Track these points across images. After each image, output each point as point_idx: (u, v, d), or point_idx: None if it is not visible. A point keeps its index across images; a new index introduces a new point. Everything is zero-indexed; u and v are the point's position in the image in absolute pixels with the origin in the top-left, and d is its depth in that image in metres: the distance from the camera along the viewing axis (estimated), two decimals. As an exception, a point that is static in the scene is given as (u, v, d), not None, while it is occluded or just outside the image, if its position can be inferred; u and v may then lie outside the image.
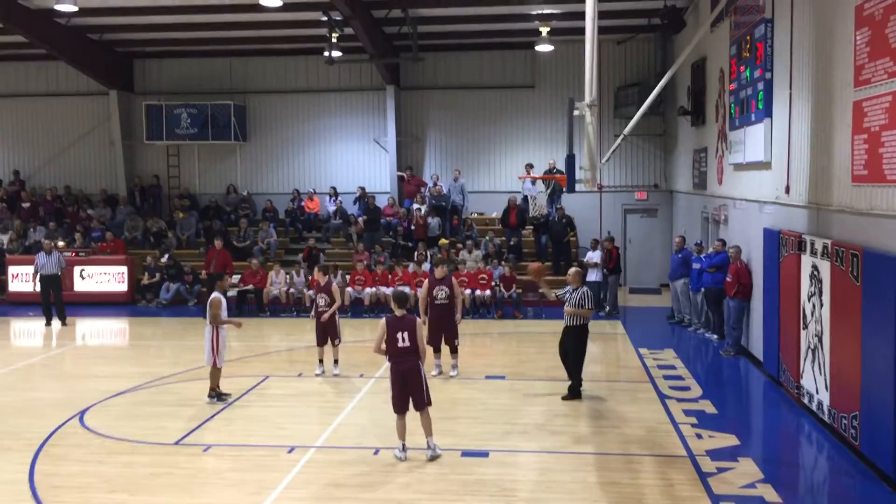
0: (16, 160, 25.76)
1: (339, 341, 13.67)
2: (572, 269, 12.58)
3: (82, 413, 11.37)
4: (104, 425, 10.78)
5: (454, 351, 13.39)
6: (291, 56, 24.53)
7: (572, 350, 12.00)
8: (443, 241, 21.32)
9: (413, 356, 9.37)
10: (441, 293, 13.15)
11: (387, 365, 9.79)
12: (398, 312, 9.45)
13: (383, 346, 9.47)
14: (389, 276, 19.93)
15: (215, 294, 11.98)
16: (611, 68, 23.07)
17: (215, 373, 11.98)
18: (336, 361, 13.57)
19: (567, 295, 11.97)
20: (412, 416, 9.48)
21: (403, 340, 9.33)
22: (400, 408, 9.41)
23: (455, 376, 13.27)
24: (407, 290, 10.94)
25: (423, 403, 9.40)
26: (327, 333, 13.45)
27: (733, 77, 15.00)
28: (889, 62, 8.53)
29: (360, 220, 22.46)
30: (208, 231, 23.15)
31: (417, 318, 9.54)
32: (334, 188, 23.91)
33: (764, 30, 12.99)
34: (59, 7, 17.50)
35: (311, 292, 19.64)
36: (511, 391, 12.53)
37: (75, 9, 17.77)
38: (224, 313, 12.00)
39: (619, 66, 23.34)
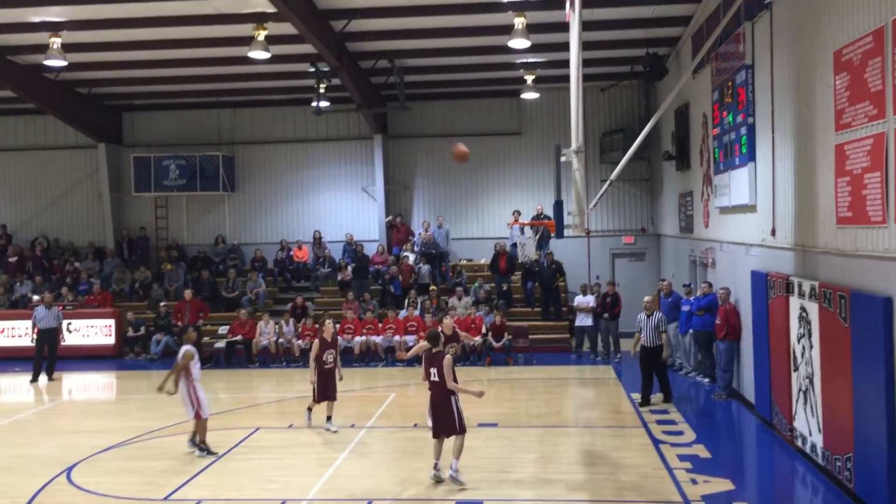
0: (3, 214, 25.69)
1: (336, 398, 13.32)
2: (648, 297, 15.01)
3: (69, 469, 11.19)
4: (92, 482, 10.60)
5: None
6: (279, 107, 24.75)
7: (656, 366, 14.33)
8: (432, 288, 21.32)
9: (441, 389, 10.18)
10: (451, 350, 12.59)
11: (378, 412, 10.34)
12: (433, 349, 10.48)
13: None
14: (380, 325, 19.87)
15: (187, 347, 11.88)
16: (596, 115, 23.37)
17: (202, 425, 11.85)
18: (329, 418, 13.23)
19: (643, 320, 14.34)
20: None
21: (433, 375, 10.27)
22: (434, 432, 10.37)
23: None
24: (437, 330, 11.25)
25: (453, 430, 10.22)
26: (329, 389, 13.12)
27: (716, 122, 15.23)
28: (869, 106, 8.69)
29: (348, 267, 22.45)
30: (196, 282, 23.07)
31: (447, 356, 10.32)
32: (318, 232, 23.93)
33: (745, 76, 13.24)
34: (48, 62, 17.66)
35: (300, 342, 19.56)
36: (504, 438, 12.43)
37: (64, 64, 17.94)
38: (196, 366, 11.87)
39: (604, 113, 23.65)
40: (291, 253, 23.89)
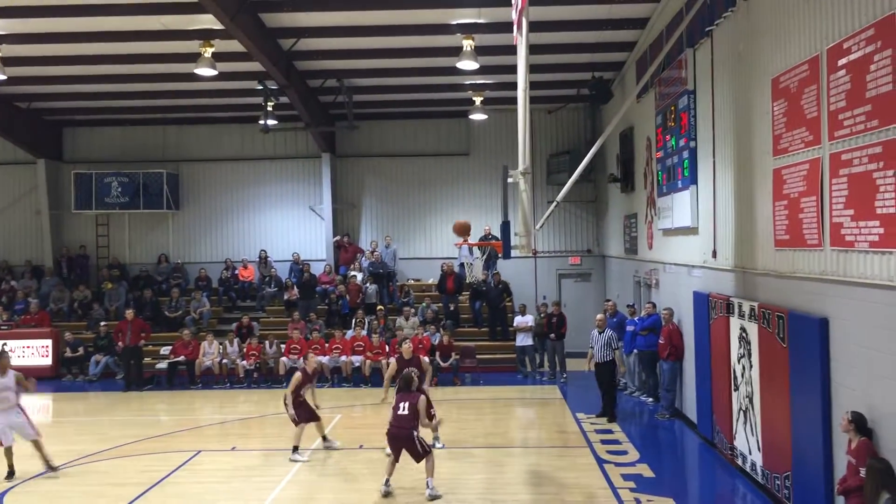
0: (-64, 230, 24.88)
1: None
2: (600, 315, 15.61)
3: (2, 494, 10.81)
4: (24, 508, 10.26)
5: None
6: (226, 124, 24.50)
7: (606, 382, 14.85)
8: (379, 308, 21.23)
9: (407, 423, 10.65)
10: (415, 374, 12.35)
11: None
12: (407, 390, 10.98)
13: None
14: (326, 345, 19.69)
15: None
16: (543, 136, 23.64)
17: (41, 444, 11.81)
18: (325, 437, 13.18)
19: (595, 336, 14.94)
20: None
21: (403, 409, 10.72)
22: (392, 450, 10.81)
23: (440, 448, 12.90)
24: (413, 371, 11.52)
25: (419, 457, 10.68)
26: (312, 413, 12.93)
27: (660, 145, 15.52)
28: (805, 132, 8.96)
29: (294, 287, 22.22)
30: (138, 301, 22.60)
31: (422, 396, 10.96)
32: (264, 251, 23.71)
33: (687, 101, 13.54)
34: (-13, 76, 17.23)
35: (244, 363, 19.28)
36: (451, 459, 12.38)
37: (4, 78, 17.51)
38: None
39: (551, 135, 23.94)
40: (237, 272, 23.58)
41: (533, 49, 12.89)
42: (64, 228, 24.81)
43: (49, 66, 18.76)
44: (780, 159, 9.67)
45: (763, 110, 10.23)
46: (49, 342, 20.91)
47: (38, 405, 18.51)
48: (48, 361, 20.81)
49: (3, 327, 21.11)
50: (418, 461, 10.71)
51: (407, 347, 13.75)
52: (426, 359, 13.68)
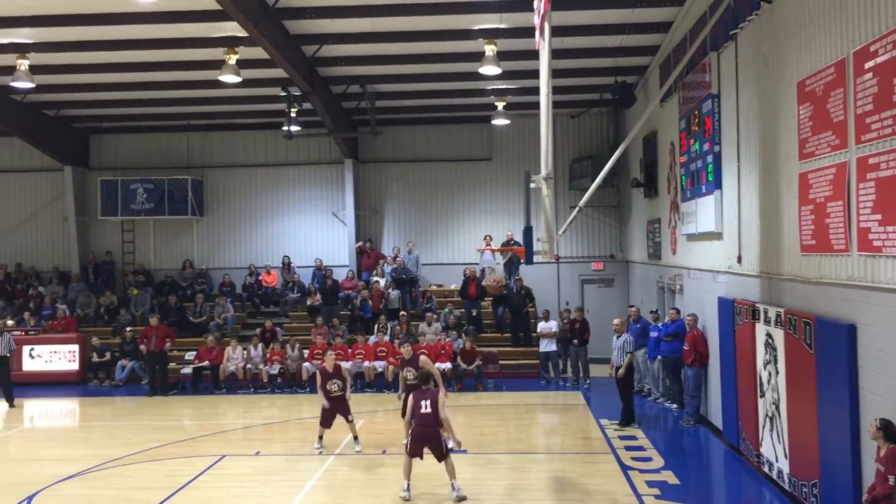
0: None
1: (353, 418, 13.48)
2: (617, 320, 15.52)
3: (30, 498, 10.93)
4: (52, 511, 10.36)
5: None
6: (250, 130, 24.67)
7: (622, 386, 14.74)
8: (402, 313, 21.26)
9: (432, 421, 10.63)
10: (409, 374, 13.34)
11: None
12: (423, 387, 10.97)
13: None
14: (349, 350, 19.74)
15: None
16: (565, 141, 23.58)
17: None
18: (356, 438, 13.40)
19: (613, 341, 15.02)
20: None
21: (425, 408, 10.67)
22: (414, 452, 10.69)
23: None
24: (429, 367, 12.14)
25: (443, 456, 10.68)
26: (336, 414, 13.37)
27: (683, 150, 15.43)
28: (832, 136, 8.87)
29: (317, 293, 22.30)
30: (163, 307, 22.80)
31: (440, 393, 10.92)
32: (287, 257, 23.83)
33: (711, 105, 13.45)
34: (15, 84, 17.46)
35: (268, 368, 19.38)
36: (473, 465, 12.35)
37: (32, 86, 17.75)
38: None
39: (574, 140, 23.88)
40: (260, 278, 23.72)
41: (555, 53, 12.88)
42: (90, 235, 25.09)
43: (76, 73, 19.02)
44: (806, 163, 9.58)
45: (788, 114, 10.15)
46: (76, 347, 21.13)
47: (65, 409, 18.73)
48: (75, 366, 21.02)
49: (30, 332, 21.36)
50: (440, 461, 10.71)
51: (406, 349, 13.93)
52: (426, 359, 13.68)
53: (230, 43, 16.60)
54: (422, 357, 13.64)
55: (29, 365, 20.94)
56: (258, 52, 16.31)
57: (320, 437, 13.58)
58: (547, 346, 19.64)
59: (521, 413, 16.73)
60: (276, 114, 22.08)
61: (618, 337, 15.08)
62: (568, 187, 23.22)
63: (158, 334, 19.43)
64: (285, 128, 21.07)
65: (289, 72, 17.36)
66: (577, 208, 14.68)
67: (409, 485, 10.64)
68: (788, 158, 10.19)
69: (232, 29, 15.66)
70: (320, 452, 13.30)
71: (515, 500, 10.63)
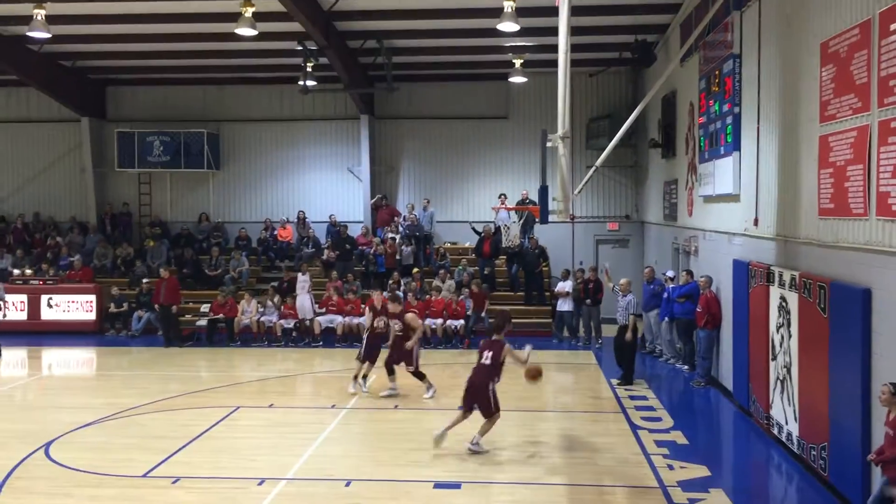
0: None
1: (413, 367, 13.90)
2: (623, 280, 15.70)
3: (48, 445, 11.15)
4: (70, 458, 10.57)
5: (418, 377, 14.01)
6: (266, 85, 24.55)
7: (622, 343, 15.01)
8: (415, 270, 21.31)
9: (486, 372, 10.78)
10: (396, 326, 13.99)
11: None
12: (493, 336, 11.21)
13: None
14: (363, 306, 19.81)
15: None
16: (583, 100, 23.33)
17: None
18: (365, 377, 14.30)
19: (620, 300, 15.25)
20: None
21: (485, 359, 10.85)
22: (465, 405, 10.86)
23: (392, 395, 13.99)
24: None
25: (490, 412, 10.79)
26: (379, 349, 14.20)
27: (703, 111, 15.26)
28: (854, 98, 8.73)
29: (332, 248, 22.37)
30: (179, 259, 22.97)
31: (506, 344, 11.04)
32: (303, 212, 23.88)
33: (732, 65, 13.26)
34: (32, 34, 17.40)
35: (282, 322, 19.56)
36: (482, 422, 12.45)
37: (48, 36, 17.69)
38: None
39: (592, 99, 23.63)
40: (276, 232, 23.80)
41: (575, 10, 12.71)
42: (107, 186, 25.20)
43: (92, 24, 18.93)
44: (826, 126, 9.45)
45: (811, 76, 9.99)
46: (93, 297, 21.35)
47: (82, 358, 19.00)
48: (92, 316, 21.27)
49: (48, 282, 21.59)
50: (486, 417, 10.74)
51: (395, 306, 14.24)
52: (413, 317, 14.35)
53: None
54: (409, 314, 14.27)
55: (47, 314, 21.22)
56: (274, 5, 16.14)
57: (364, 377, 14.23)
58: (563, 305, 19.64)
59: (533, 371, 16.79)
60: (292, 68, 21.95)
61: (623, 296, 15.31)
62: (585, 147, 23.04)
63: (168, 288, 19.49)
64: (301, 82, 20.96)
65: (305, 25, 17.22)
66: (594, 168, 14.62)
67: (446, 428, 10.76)
68: (809, 121, 10.06)
69: (248, -20, 15.50)
70: (365, 391, 14.06)
71: (524, 455, 10.75)
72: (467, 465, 10.32)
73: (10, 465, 10.23)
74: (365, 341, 14.37)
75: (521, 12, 16.28)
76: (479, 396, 10.74)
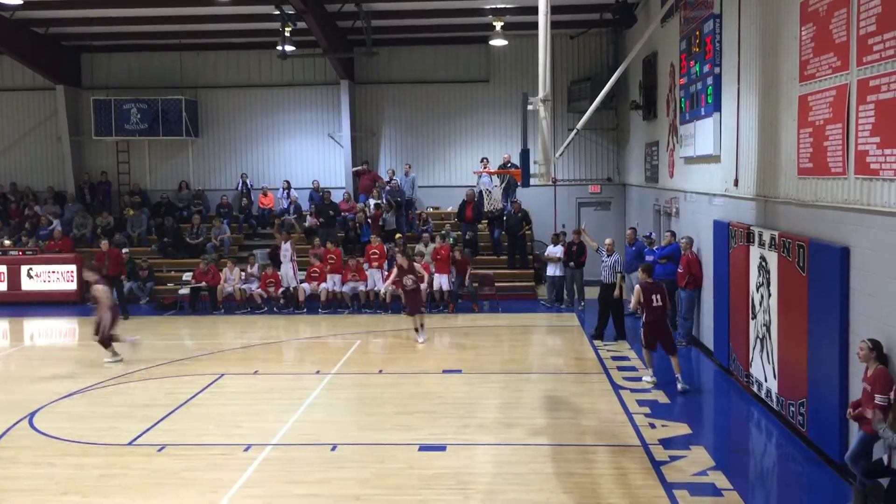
0: (-41, 157, 25.04)
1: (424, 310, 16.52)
2: (609, 240, 15.94)
3: (31, 415, 11.15)
4: (54, 427, 10.58)
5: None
6: (244, 50, 24.24)
7: (612, 303, 15.47)
8: (398, 235, 21.27)
9: (663, 312, 12.17)
10: (409, 280, 15.90)
11: (343, 359, 11.85)
12: (650, 280, 12.37)
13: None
14: (343, 271, 19.83)
15: None
16: (564, 63, 23.22)
17: None
18: (422, 326, 15.99)
19: (604, 260, 15.58)
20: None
21: (657, 301, 12.11)
22: (650, 344, 12.35)
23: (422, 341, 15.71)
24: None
25: (674, 350, 12.23)
26: (419, 305, 16.19)
27: (683, 72, 15.23)
28: (833, 57, 8.74)
29: (315, 214, 22.28)
30: (160, 228, 22.81)
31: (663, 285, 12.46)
32: (288, 182, 23.76)
33: (713, 25, 13.21)
34: (3, 0, 17.06)
35: (260, 290, 19.54)
36: (468, 385, 12.59)
37: (20, 2, 17.36)
38: None
39: (573, 61, 23.52)
40: (255, 200, 23.68)
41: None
42: (85, 155, 24.92)
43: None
44: (806, 85, 9.47)
45: (790, 35, 9.98)
46: (73, 267, 21.18)
47: (64, 328, 18.92)
48: (73, 286, 21.12)
49: (28, 252, 21.40)
50: (670, 353, 12.15)
51: (402, 259, 16.24)
52: (419, 267, 16.67)
53: (222, -42, 16.17)
54: (416, 265, 16.24)
55: (28, 285, 21.07)
56: (251, -32, 15.92)
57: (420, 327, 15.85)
58: (552, 270, 19.61)
59: (516, 334, 16.95)
60: (270, 33, 21.67)
61: (608, 255, 15.54)
62: (567, 109, 22.98)
63: (112, 260, 19.10)
64: (279, 48, 20.71)
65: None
66: (575, 131, 14.57)
67: (653, 372, 12.45)
68: (789, 80, 10.07)
69: (223, -57, 15.23)
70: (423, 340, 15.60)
71: (510, 418, 10.86)
72: (451, 427, 10.42)
73: (-6, 435, 10.23)
74: (405, 298, 16.16)
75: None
76: (662, 334, 12.16)
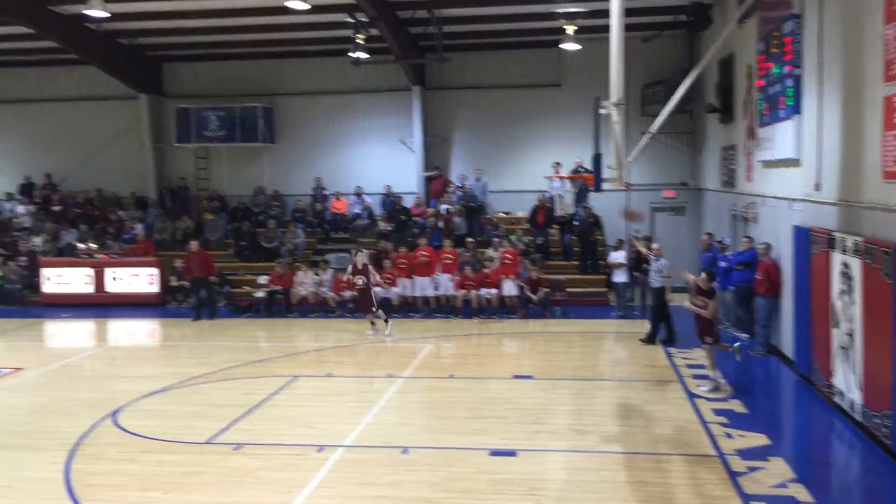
0: (48, 164, 26.07)
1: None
2: (656, 245, 16.33)
3: (115, 413, 11.54)
4: (136, 424, 10.93)
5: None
6: (318, 58, 24.63)
7: (659, 306, 15.63)
8: (469, 240, 21.28)
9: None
10: (360, 280, 17.06)
11: (415, 363, 11.71)
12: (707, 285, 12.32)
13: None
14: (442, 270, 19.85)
15: None
16: (637, 66, 22.80)
17: None
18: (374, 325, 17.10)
19: (653, 262, 15.80)
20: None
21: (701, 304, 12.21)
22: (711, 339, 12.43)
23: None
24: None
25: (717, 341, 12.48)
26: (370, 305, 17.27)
27: (761, 73, 14.87)
28: (920, 57, 8.42)
29: (387, 219, 22.50)
30: (237, 232, 23.37)
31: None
32: (360, 187, 24.06)
33: (792, 25, 12.87)
34: (91, 13, 17.75)
35: (334, 294, 19.80)
36: (539, 391, 12.52)
37: (107, 15, 18.03)
38: None
39: (646, 64, 23.10)
40: (329, 204, 24.05)
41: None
42: (166, 161, 25.71)
43: (148, 1, 19.22)
44: (891, 86, 9.14)
45: (874, 34, 9.65)
46: (155, 271, 21.84)
47: (146, 329, 19.54)
48: (155, 289, 21.77)
49: (112, 256, 22.16)
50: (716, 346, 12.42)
51: (360, 257, 17.32)
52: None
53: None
54: (369, 266, 17.34)
55: (112, 287, 21.80)
56: (325, -23, 16.21)
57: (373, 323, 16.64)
58: (617, 276, 19.35)
59: (588, 340, 16.79)
60: (342, 40, 21.97)
61: (656, 260, 15.70)
62: (640, 113, 22.65)
63: (200, 262, 19.72)
64: (352, 54, 21.00)
65: (356, -4, 17.21)
66: (649, 134, 14.39)
67: (716, 371, 12.44)
68: (873, 81, 9.73)
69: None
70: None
71: (580, 423, 10.76)
72: (522, 432, 10.38)
73: (79, 432, 10.62)
74: (358, 296, 17.66)
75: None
76: (709, 330, 12.27)
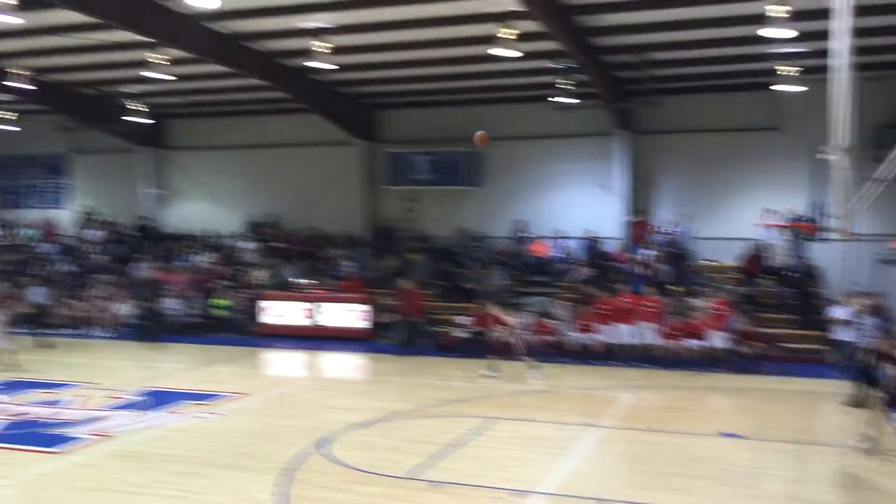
0: (267, 204, 28.11)
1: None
2: (868, 300, 15.96)
3: (324, 441, 12.06)
4: (343, 455, 11.34)
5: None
6: (522, 103, 24.94)
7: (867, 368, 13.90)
8: (672, 288, 20.59)
9: None
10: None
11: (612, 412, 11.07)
12: None
13: None
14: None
15: None
16: (864, 107, 21.22)
17: None
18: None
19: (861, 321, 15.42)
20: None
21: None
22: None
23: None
24: None
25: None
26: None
27: None
28: None
29: (589, 265, 22.28)
30: (439, 272, 23.99)
31: None
32: (559, 230, 24.00)
33: None
34: (319, 65, 19.16)
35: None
36: (751, 452, 11.74)
37: (335, 67, 19.39)
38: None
39: (876, 105, 21.40)
40: (528, 246, 24.19)
41: (860, 11, 11.72)
42: (376, 203, 27.00)
43: (362, 53, 20.58)
44: None
45: None
46: (366, 307, 22.79)
47: (354, 364, 20.40)
48: (364, 324, 22.67)
49: (325, 291, 23.43)
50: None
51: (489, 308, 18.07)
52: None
53: (506, 17, 16.92)
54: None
55: (325, 320, 22.99)
56: (529, 25, 16.50)
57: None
58: (840, 333, 17.82)
59: (803, 399, 15.63)
60: (544, 86, 22.18)
61: (863, 317, 15.28)
62: (868, 157, 20.98)
63: (413, 300, 20.35)
64: (557, 98, 21.12)
65: (563, 43, 17.37)
66: (877, 180, 13.31)
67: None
68: None
69: (507, 3, 15.95)
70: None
71: (796, 492, 9.95)
72: (731, 496, 9.77)
73: (288, 457, 11.14)
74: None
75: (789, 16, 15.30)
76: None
